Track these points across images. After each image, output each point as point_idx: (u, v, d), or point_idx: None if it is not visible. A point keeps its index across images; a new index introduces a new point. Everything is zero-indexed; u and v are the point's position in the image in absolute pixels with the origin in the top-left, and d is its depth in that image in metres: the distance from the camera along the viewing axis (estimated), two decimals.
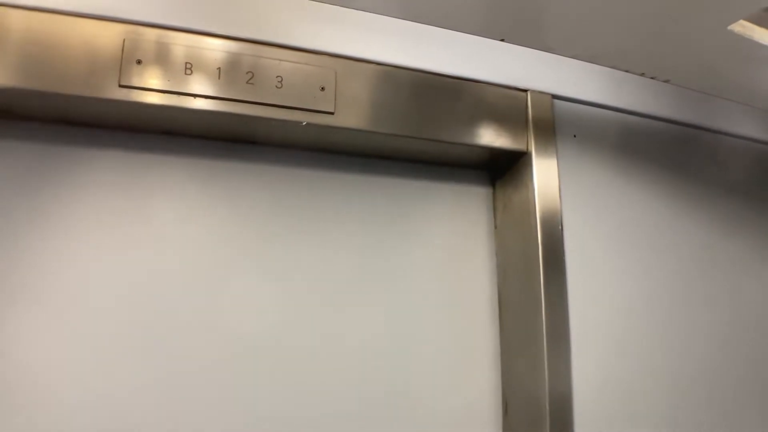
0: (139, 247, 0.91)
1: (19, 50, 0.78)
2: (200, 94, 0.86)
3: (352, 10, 0.98)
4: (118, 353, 0.87)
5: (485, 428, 1.08)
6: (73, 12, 0.81)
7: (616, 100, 1.18)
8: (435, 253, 1.12)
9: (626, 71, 1.21)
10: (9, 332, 0.82)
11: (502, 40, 1.10)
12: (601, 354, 1.08)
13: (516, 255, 1.10)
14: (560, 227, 1.06)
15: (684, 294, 1.21)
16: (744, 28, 1.06)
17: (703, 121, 1.29)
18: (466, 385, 1.08)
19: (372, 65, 0.98)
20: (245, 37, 0.90)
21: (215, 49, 0.88)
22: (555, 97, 1.12)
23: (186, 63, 0.86)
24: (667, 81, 1.25)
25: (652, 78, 1.24)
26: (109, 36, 0.83)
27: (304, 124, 0.92)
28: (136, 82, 0.83)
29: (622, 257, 1.16)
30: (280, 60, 0.92)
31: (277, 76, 0.91)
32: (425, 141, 1.02)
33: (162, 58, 0.85)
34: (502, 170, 1.16)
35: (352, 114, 0.95)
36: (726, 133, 1.33)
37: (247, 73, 0.89)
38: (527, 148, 1.08)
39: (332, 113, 0.94)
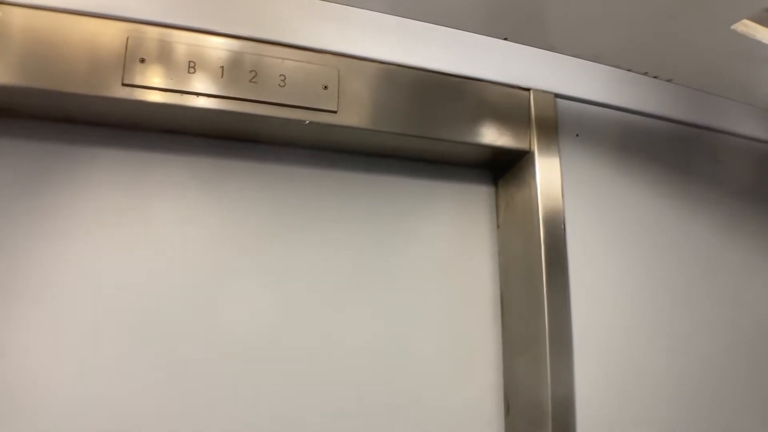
0: (141, 245, 0.91)
1: (22, 48, 0.78)
2: (203, 93, 0.86)
3: (355, 8, 0.98)
4: (118, 353, 0.87)
5: (487, 429, 1.08)
6: (76, 10, 0.81)
7: (619, 100, 1.18)
8: (437, 252, 1.12)
9: (629, 70, 1.21)
10: (10, 331, 0.82)
11: (505, 38, 1.10)
12: (603, 354, 1.08)
13: (518, 254, 1.10)
14: (563, 226, 1.06)
15: (686, 294, 1.21)
16: (747, 27, 1.06)
17: (706, 120, 1.29)
18: (467, 385, 1.08)
19: (375, 64, 0.98)
20: (248, 35, 0.90)
21: (218, 47, 0.88)
22: (558, 96, 1.12)
23: (189, 61, 0.86)
24: (669, 80, 1.25)
25: (654, 77, 1.24)
26: (112, 34, 0.83)
27: (306, 122, 0.92)
28: (139, 81, 0.83)
29: (625, 256, 1.15)
30: (283, 59, 0.92)
31: (280, 75, 0.90)
32: (428, 140, 1.02)
33: (165, 56, 0.85)
34: (505, 169, 1.16)
35: (354, 113, 0.95)
36: (728, 133, 1.33)
37: (250, 71, 0.89)
38: (530, 147, 1.08)
39: (335, 112, 0.93)
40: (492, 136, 1.05)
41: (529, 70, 1.11)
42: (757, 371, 1.27)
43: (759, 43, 1.08)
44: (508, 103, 1.08)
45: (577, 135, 1.14)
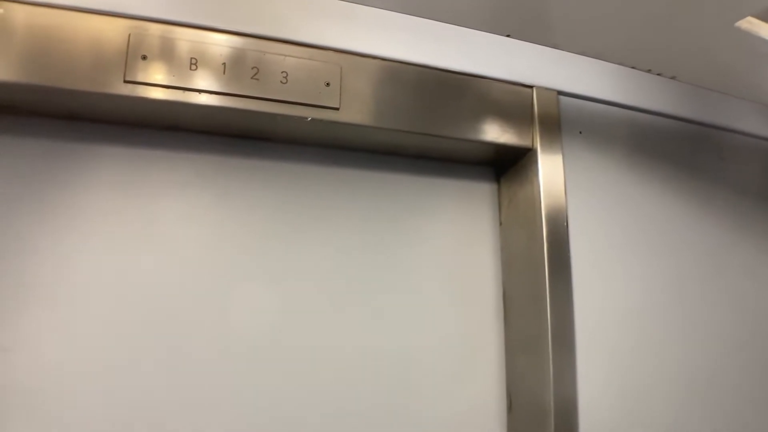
0: (144, 243, 0.91)
1: (23, 45, 0.78)
2: (205, 90, 0.86)
3: (358, 5, 0.98)
4: (121, 351, 0.87)
5: (489, 426, 1.08)
6: (78, 7, 0.81)
7: (623, 97, 1.18)
8: (439, 249, 1.11)
9: (633, 68, 1.21)
10: (14, 330, 0.82)
11: (508, 35, 1.09)
12: (605, 351, 1.07)
13: (521, 251, 1.09)
14: (566, 224, 1.06)
15: (690, 292, 1.21)
16: (752, 24, 1.05)
17: (711, 118, 1.29)
18: (470, 382, 1.08)
19: (377, 61, 0.98)
20: (250, 32, 0.90)
21: (220, 44, 0.88)
22: (561, 93, 1.12)
23: (191, 58, 0.86)
24: (673, 77, 1.25)
25: (658, 75, 1.24)
26: (114, 31, 0.83)
27: (308, 119, 0.92)
28: (141, 78, 0.83)
29: (628, 254, 1.15)
30: (285, 55, 0.91)
31: (282, 72, 0.90)
32: (430, 137, 1.02)
33: (167, 53, 0.85)
34: (507, 166, 1.16)
35: (357, 110, 0.95)
36: (732, 130, 1.33)
37: (252, 68, 0.89)
38: (533, 145, 1.07)
39: (337, 109, 0.93)
40: (495, 133, 1.05)
41: (532, 67, 1.10)
42: (766, 376, 1.26)
43: (763, 41, 1.08)
44: (511, 101, 1.07)
45: (580, 132, 1.14)
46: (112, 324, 0.87)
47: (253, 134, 1.00)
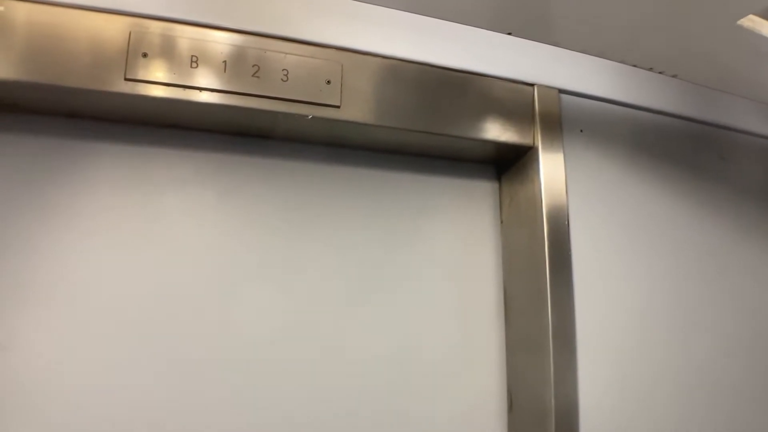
0: (145, 241, 0.91)
1: (24, 43, 0.78)
2: (206, 88, 0.86)
3: (359, 2, 0.98)
4: (121, 351, 0.87)
5: (490, 425, 1.08)
6: (79, 5, 0.81)
7: (624, 95, 1.18)
8: (440, 248, 1.11)
9: (634, 66, 1.20)
10: (15, 329, 0.82)
11: (510, 33, 1.09)
12: (606, 350, 1.07)
13: (522, 250, 1.09)
14: (566, 222, 1.05)
15: (691, 291, 1.21)
16: (753, 23, 1.05)
17: (712, 116, 1.28)
18: (470, 380, 1.08)
19: (378, 59, 0.98)
20: (251, 30, 0.90)
21: (221, 42, 0.88)
22: (562, 91, 1.12)
23: (192, 56, 0.86)
24: (675, 76, 1.25)
25: (660, 73, 1.23)
26: (114, 29, 0.82)
27: (309, 117, 0.92)
28: (141, 75, 0.83)
29: (629, 253, 1.15)
30: (286, 53, 0.91)
31: (282, 70, 0.90)
32: (431, 135, 1.01)
33: (168, 51, 0.85)
34: (508, 165, 1.15)
35: (357, 108, 0.95)
36: (734, 129, 1.32)
37: (252, 66, 0.88)
38: (534, 143, 1.07)
39: (338, 107, 0.93)
40: (496, 131, 1.05)
41: (534, 65, 1.10)
42: None
43: (765, 39, 1.08)
44: (512, 99, 1.07)
45: (582, 131, 1.14)
46: (112, 323, 0.87)
47: (253, 132, 1.00)
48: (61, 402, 0.82)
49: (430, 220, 1.12)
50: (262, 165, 1.01)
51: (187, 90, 0.85)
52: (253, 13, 0.91)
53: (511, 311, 1.12)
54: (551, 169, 1.06)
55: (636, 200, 1.18)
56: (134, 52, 0.83)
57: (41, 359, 0.83)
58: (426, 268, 1.10)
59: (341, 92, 0.94)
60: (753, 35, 1.07)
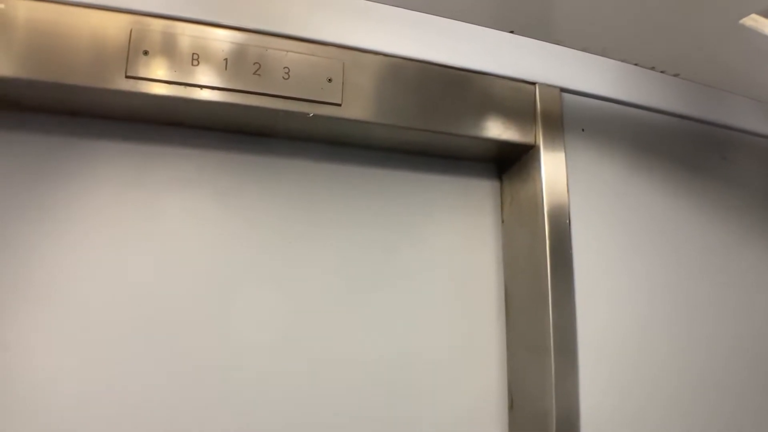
0: (145, 239, 0.91)
1: (25, 41, 0.78)
2: (207, 85, 0.86)
3: (360, 0, 0.98)
4: (121, 350, 0.87)
5: (490, 423, 1.07)
6: (80, 2, 0.81)
7: (626, 94, 1.17)
8: (441, 247, 1.11)
9: (636, 65, 1.20)
10: (14, 328, 0.82)
11: (511, 32, 1.09)
12: (607, 350, 1.07)
13: (523, 249, 1.09)
14: (568, 221, 1.05)
15: (690, 292, 1.20)
16: (756, 22, 1.05)
17: (714, 116, 1.28)
18: (471, 379, 1.08)
19: (380, 57, 0.98)
20: (252, 27, 0.90)
21: (222, 39, 0.88)
22: (563, 90, 1.12)
23: (193, 54, 0.85)
24: (676, 75, 1.24)
25: (661, 72, 1.23)
26: (115, 26, 0.82)
27: (310, 115, 0.92)
28: (142, 73, 0.82)
29: (630, 251, 1.15)
30: (287, 51, 0.91)
31: (284, 68, 0.90)
32: (432, 133, 1.01)
33: (169, 48, 0.84)
34: (510, 164, 1.15)
35: (359, 106, 0.95)
36: (736, 129, 1.32)
37: (254, 64, 0.88)
38: (535, 142, 1.07)
39: (339, 105, 0.93)
40: (497, 130, 1.05)
41: (535, 64, 1.10)
42: None
43: (767, 38, 1.07)
44: (513, 97, 1.07)
45: (583, 130, 1.14)
46: (112, 323, 0.87)
47: (254, 130, 1.00)
48: (61, 402, 0.82)
49: (431, 219, 1.12)
50: (262, 163, 1.01)
51: (188, 88, 0.85)
52: (255, 11, 0.91)
53: (511, 310, 1.11)
54: (552, 168, 1.06)
55: (637, 199, 1.18)
56: (135, 49, 0.83)
57: (42, 359, 0.82)
58: (426, 267, 1.09)
59: (342, 90, 0.93)
60: (755, 35, 1.06)
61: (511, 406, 1.08)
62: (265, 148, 1.01)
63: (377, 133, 1.02)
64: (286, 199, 1.01)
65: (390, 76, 0.98)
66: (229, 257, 0.96)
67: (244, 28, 0.89)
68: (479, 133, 1.03)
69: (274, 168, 1.01)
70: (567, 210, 1.06)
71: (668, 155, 1.24)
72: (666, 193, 1.22)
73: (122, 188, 0.91)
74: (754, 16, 1.03)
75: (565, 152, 1.08)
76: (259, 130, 1.00)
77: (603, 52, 1.16)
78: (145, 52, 0.83)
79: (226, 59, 0.87)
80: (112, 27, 0.82)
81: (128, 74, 0.82)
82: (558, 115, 1.09)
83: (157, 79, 0.83)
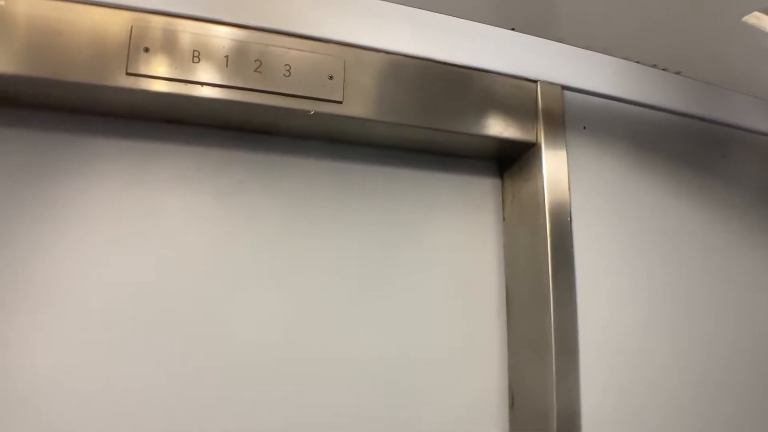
0: (146, 238, 0.91)
1: (25, 37, 0.78)
2: (208, 83, 0.86)
3: None
4: (121, 350, 0.86)
5: (491, 421, 1.07)
6: None
7: (627, 92, 1.17)
8: (442, 245, 1.11)
9: (637, 62, 1.20)
10: (14, 327, 0.82)
11: (513, 29, 1.09)
12: (608, 349, 1.07)
13: (524, 247, 1.09)
14: (569, 219, 1.05)
15: (692, 290, 1.20)
16: (758, 19, 1.05)
17: (715, 114, 1.28)
18: (471, 377, 1.08)
19: (381, 54, 0.97)
20: (253, 25, 0.90)
21: (223, 37, 0.87)
22: (565, 87, 1.11)
23: (194, 51, 0.85)
24: (678, 73, 1.24)
25: (663, 70, 1.23)
26: (116, 23, 0.82)
27: (311, 113, 0.91)
28: (143, 70, 0.82)
29: (631, 251, 1.15)
30: (288, 48, 0.91)
31: (285, 65, 0.90)
32: (433, 131, 1.01)
33: (170, 45, 0.84)
34: (511, 161, 1.15)
35: (360, 103, 0.94)
36: (738, 127, 1.32)
37: (255, 61, 0.88)
38: (536, 139, 1.07)
39: (340, 102, 0.93)
40: (498, 127, 1.05)
41: (537, 61, 1.09)
42: None
43: None
44: (514, 95, 1.07)
45: (585, 127, 1.14)
46: (112, 322, 0.87)
47: (255, 128, 0.99)
48: (61, 401, 0.82)
49: (432, 217, 1.11)
50: (263, 161, 1.00)
51: (189, 85, 0.85)
52: (256, 8, 0.90)
53: (512, 309, 1.11)
54: (554, 166, 1.06)
55: (639, 198, 1.18)
56: (136, 46, 0.82)
57: (42, 358, 0.82)
58: (427, 265, 1.09)
59: (344, 88, 0.93)
60: (758, 32, 1.06)
61: (512, 405, 1.08)
62: (266, 146, 1.01)
63: (378, 130, 1.01)
64: (287, 197, 1.01)
65: (391, 74, 0.98)
66: (230, 255, 0.95)
67: (245, 26, 0.89)
68: (480, 130, 1.03)
69: (275, 166, 1.01)
70: (568, 208, 1.06)
71: (670, 153, 1.23)
72: (667, 191, 1.21)
73: (122, 186, 0.91)
74: (756, 13, 1.03)
75: (567, 150, 1.08)
76: (260, 127, 0.99)
77: (604, 50, 1.16)
78: (146, 49, 0.83)
79: (227, 56, 0.87)
80: (112, 24, 0.82)
81: (129, 71, 0.82)
82: (559, 112, 1.09)
83: (158, 76, 0.83)
